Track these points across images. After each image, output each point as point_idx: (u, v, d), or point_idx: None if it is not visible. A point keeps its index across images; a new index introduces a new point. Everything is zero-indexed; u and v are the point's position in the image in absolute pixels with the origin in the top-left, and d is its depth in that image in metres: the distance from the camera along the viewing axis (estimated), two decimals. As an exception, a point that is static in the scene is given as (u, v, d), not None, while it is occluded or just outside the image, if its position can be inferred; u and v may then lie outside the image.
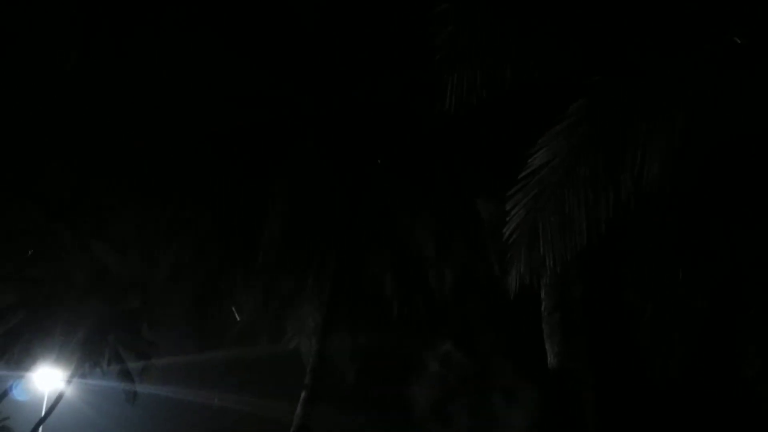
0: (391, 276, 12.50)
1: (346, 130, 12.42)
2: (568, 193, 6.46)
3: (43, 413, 30.33)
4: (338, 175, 12.48)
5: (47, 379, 29.20)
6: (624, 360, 7.89)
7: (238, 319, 13.94)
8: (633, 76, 6.29)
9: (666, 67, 6.23)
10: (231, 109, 12.88)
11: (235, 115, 12.74)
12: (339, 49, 11.56)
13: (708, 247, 7.03)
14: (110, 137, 14.41)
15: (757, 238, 6.74)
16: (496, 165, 10.56)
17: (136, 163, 13.93)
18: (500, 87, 6.97)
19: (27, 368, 23.20)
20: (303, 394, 11.45)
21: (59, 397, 26.46)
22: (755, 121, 6.10)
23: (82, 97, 13.60)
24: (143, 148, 14.13)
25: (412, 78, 11.64)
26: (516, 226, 6.70)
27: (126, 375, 24.68)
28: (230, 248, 12.51)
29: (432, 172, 11.79)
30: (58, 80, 13.52)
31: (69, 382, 25.27)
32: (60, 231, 18.70)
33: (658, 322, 7.18)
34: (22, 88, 13.56)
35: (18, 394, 24.06)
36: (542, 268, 6.69)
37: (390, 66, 11.44)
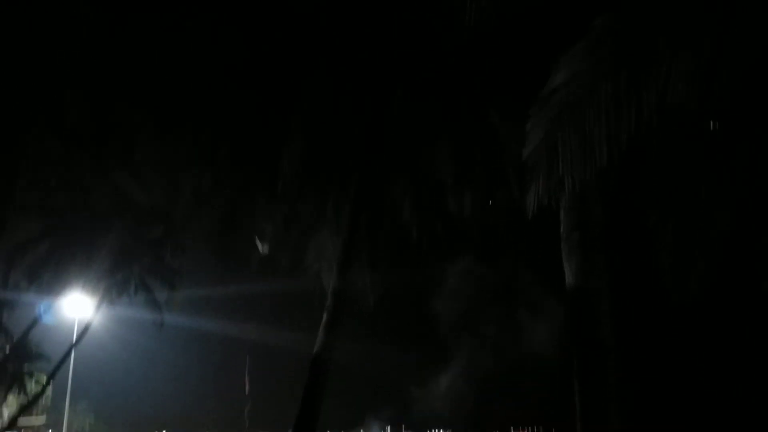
0: (410, 201, 12.52)
1: (366, 55, 12.23)
2: (588, 111, 6.36)
3: (74, 339, 31.46)
4: (358, 101, 12.37)
5: (77, 306, 30.18)
6: (643, 278, 7.93)
7: (260, 248, 14.08)
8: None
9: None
10: (250, 37, 12.75)
11: (254, 43, 12.61)
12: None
13: (731, 165, 6.93)
14: (130, 66, 14.34)
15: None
16: (517, 86, 10.40)
17: (156, 92, 13.89)
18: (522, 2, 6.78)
19: (57, 294, 23.88)
20: (324, 318, 11.62)
21: (89, 324, 27.31)
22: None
23: (102, 24, 13.49)
24: (163, 76, 14.07)
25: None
26: (535, 147, 6.63)
27: (153, 304, 25.37)
28: (250, 175, 12.55)
29: (452, 96, 11.63)
30: (77, 8, 13.40)
31: (97, 309, 26.04)
32: (81, 161, 18.88)
33: (679, 240, 7.17)
34: (41, 17, 13.46)
35: (48, 317, 24.84)
36: (561, 188, 6.65)
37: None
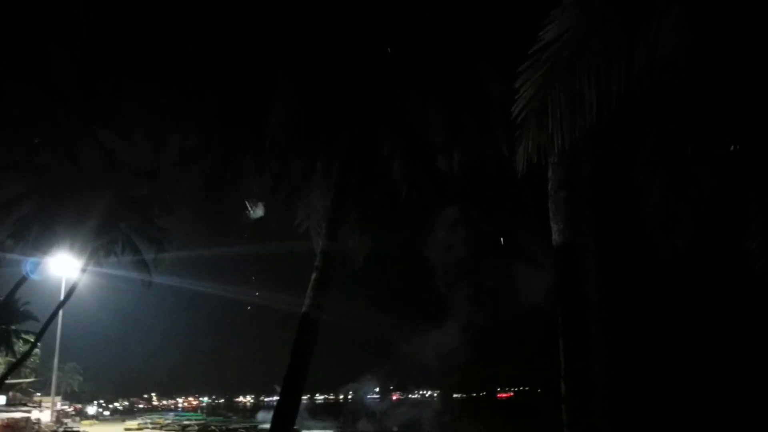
0: (399, 159, 12.50)
1: (356, 13, 12.07)
2: (579, 68, 6.34)
3: (61, 298, 31.44)
4: (348, 59, 12.25)
5: (64, 265, 30.14)
6: (630, 236, 8.00)
7: (251, 211, 14.01)
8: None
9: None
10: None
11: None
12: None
13: (719, 122, 6.97)
14: (116, 22, 14.10)
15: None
16: (508, 42, 10.31)
17: (143, 49, 13.68)
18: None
19: (43, 253, 23.78)
20: (314, 276, 11.67)
21: (75, 284, 27.32)
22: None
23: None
24: (150, 33, 13.84)
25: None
26: (525, 104, 6.62)
27: (140, 264, 25.35)
28: (237, 132, 12.45)
29: (442, 54, 11.54)
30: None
31: (84, 269, 26.01)
32: (66, 118, 18.63)
33: (666, 197, 7.23)
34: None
35: (34, 275, 24.78)
36: (550, 146, 6.66)
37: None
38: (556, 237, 7.93)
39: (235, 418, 78.06)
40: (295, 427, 11.98)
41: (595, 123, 6.41)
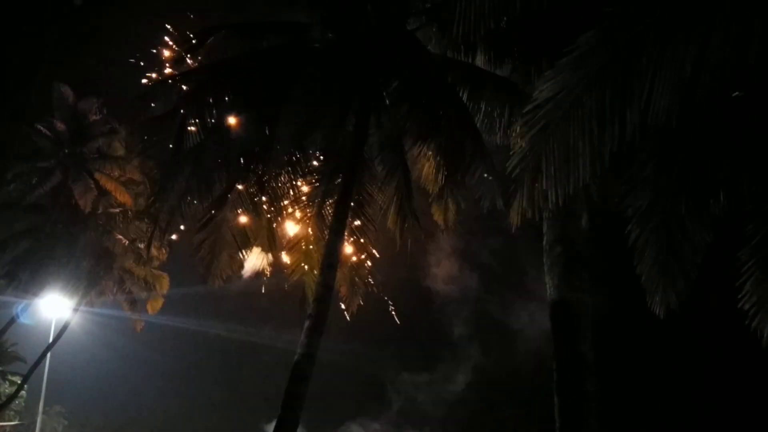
0: (395, 208, 12.56)
1: (354, 56, 12.38)
2: (573, 126, 6.42)
3: (50, 340, 31.02)
4: (346, 101, 12.50)
5: (55, 307, 29.81)
6: (624, 291, 7.98)
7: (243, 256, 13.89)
8: (646, 5, 6.15)
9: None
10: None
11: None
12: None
13: (712, 180, 7.04)
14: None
15: (761, 170, 6.73)
16: (503, 100, 10.50)
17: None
18: (510, 13, 6.85)
19: (35, 294, 23.63)
20: (307, 323, 11.56)
21: (66, 325, 27.02)
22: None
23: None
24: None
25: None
26: (519, 160, 6.68)
27: (132, 304, 25.17)
28: (235, 175, 12.54)
29: (439, 105, 11.72)
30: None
31: (76, 310, 25.78)
32: (65, 159, 18.77)
33: (660, 254, 7.24)
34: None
35: (24, 318, 24.55)
36: (545, 201, 6.71)
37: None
38: (551, 292, 7.91)
39: None
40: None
41: (588, 179, 6.47)
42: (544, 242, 8.05)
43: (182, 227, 14.69)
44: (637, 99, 6.09)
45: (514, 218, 6.81)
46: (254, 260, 14.11)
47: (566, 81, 6.36)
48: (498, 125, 11.06)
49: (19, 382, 33.26)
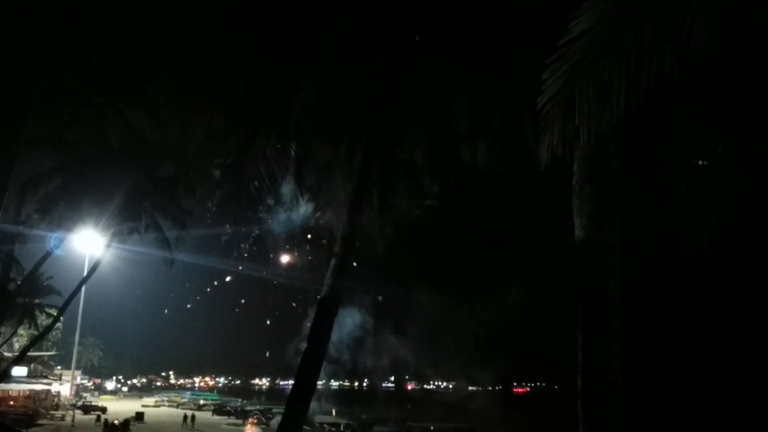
0: (423, 149, 12.45)
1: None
2: (608, 62, 6.24)
3: (84, 274, 31.89)
4: (375, 43, 12.20)
5: (88, 242, 30.57)
6: (655, 233, 7.88)
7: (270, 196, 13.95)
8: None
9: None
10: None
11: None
12: None
13: (749, 121, 6.83)
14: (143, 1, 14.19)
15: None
16: (538, 34, 10.19)
17: (169, 27, 13.75)
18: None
19: (68, 229, 24.15)
20: (333, 261, 11.67)
21: (99, 260, 27.73)
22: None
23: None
24: (178, 12, 13.90)
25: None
26: (551, 96, 6.54)
27: (163, 242, 25.63)
28: (263, 114, 12.47)
29: (470, 43, 11.44)
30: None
31: (108, 246, 26.37)
32: (95, 96, 18.86)
33: (694, 196, 7.10)
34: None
35: (59, 250, 25.19)
36: (576, 139, 6.58)
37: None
38: (578, 232, 7.84)
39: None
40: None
41: (622, 118, 6.32)
42: (574, 182, 7.93)
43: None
44: (676, 33, 5.87)
45: (544, 156, 6.70)
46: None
47: (603, 13, 6.16)
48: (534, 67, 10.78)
49: (55, 314, 34.39)
